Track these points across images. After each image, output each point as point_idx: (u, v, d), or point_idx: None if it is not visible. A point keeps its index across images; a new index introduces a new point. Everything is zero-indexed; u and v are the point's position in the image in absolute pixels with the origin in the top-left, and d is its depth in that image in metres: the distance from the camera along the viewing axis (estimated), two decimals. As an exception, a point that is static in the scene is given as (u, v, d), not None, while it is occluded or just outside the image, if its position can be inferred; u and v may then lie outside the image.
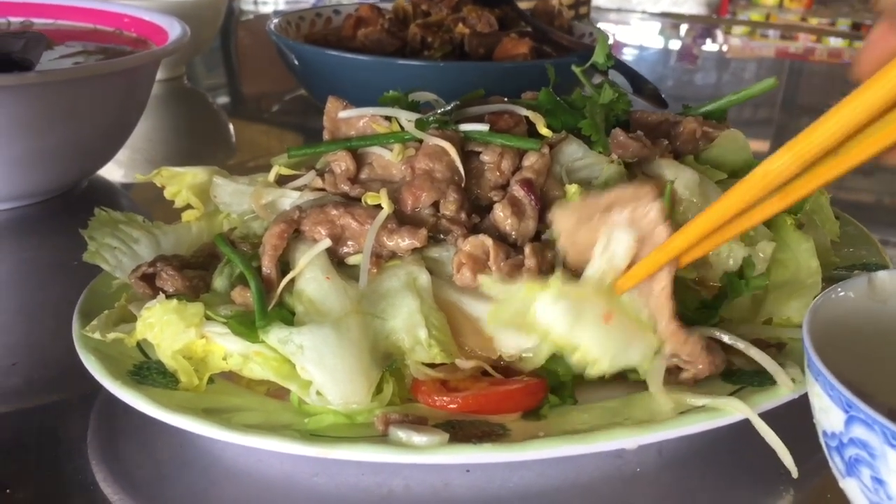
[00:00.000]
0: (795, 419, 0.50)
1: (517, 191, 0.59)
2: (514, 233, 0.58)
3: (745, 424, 0.51)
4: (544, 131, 0.64)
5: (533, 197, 0.59)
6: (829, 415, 0.42)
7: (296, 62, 1.09)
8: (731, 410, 0.51)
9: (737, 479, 0.54)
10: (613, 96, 0.67)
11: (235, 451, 0.53)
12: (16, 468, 0.53)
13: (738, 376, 0.56)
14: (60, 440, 0.56)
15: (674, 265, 0.51)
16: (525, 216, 0.59)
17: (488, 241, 0.55)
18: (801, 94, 1.73)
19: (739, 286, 0.58)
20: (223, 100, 1.51)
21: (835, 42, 2.14)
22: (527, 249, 0.56)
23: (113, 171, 1.02)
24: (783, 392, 0.53)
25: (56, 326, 0.66)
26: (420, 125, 0.62)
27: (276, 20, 1.17)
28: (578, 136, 0.65)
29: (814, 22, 3.44)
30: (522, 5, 1.22)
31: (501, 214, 0.58)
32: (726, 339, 0.56)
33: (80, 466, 0.53)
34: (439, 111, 0.63)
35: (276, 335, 0.53)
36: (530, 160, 0.61)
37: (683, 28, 2.27)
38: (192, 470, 0.53)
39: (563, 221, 0.52)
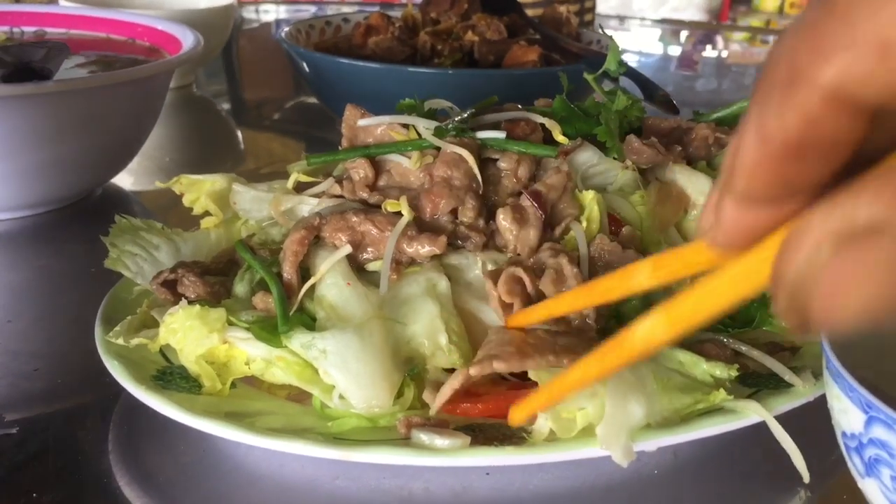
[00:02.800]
0: (811, 421, 0.51)
1: (524, 199, 0.60)
2: (511, 237, 0.58)
3: (760, 426, 0.52)
4: (560, 138, 0.65)
5: (538, 206, 0.59)
6: (848, 416, 0.43)
7: (307, 70, 1.10)
8: (748, 413, 0.52)
9: (752, 481, 0.55)
10: (627, 103, 0.67)
11: (258, 455, 0.54)
12: (41, 473, 0.53)
13: (754, 379, 0.56)
14: (83, 445, 0.56)
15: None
16: (527, 224, 0.59)
17: (518, 271, 0.55)
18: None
19: (766, 319, 0.60)
20: (227, 106, 1.52)
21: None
22: (567, 269, 0.55)
23: (124, 179, 1.03)
24: (799, 394, 0.54)
25: (75, 333, 0.66)
26: (438, 133, 0.62)
27: (286, 28, 1.18)
28: (593, 143, 0.66)
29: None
30: (530, 13, 1.23)
31: (502, 219, 0.58)
32: (743, 348, 0.57)
33: (103, 471, 0.53)
34: (456, 119, 0.64)
35: (298, 340, 0.53)
36: (548, 177, 0.61)
37: (684, 34, 2.28)
38: (214, 474, 0.53)
39: None
